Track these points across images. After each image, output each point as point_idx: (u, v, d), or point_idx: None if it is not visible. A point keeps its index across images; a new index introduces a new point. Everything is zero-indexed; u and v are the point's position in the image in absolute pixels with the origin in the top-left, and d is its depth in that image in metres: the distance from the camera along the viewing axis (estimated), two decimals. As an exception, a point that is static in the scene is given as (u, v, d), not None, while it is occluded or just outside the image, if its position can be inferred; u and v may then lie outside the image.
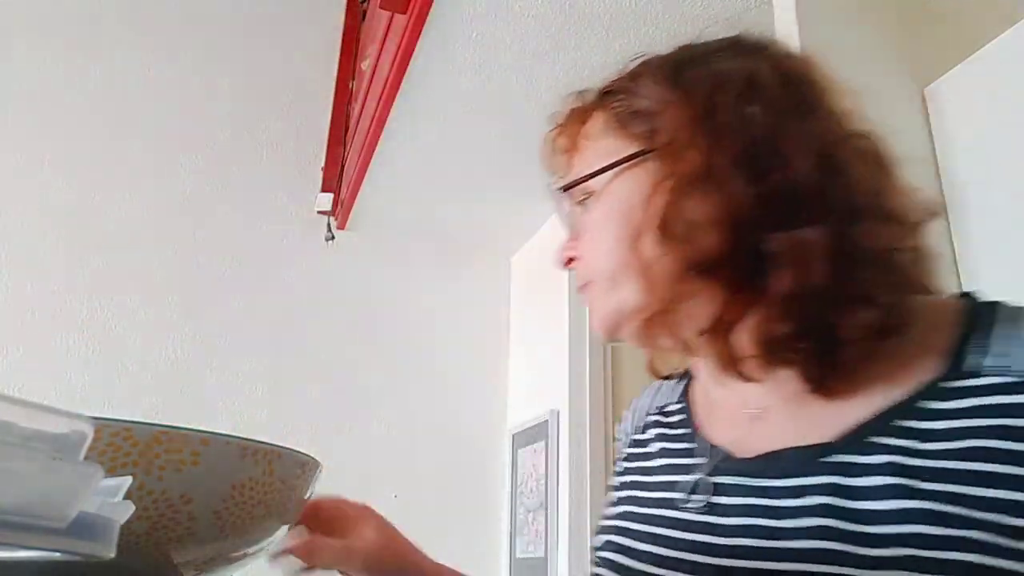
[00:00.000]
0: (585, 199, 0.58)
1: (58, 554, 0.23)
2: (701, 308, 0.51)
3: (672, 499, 0.56)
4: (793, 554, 0.46)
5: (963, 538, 0.40)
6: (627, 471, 0.65)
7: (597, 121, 0.59)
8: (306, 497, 0.43)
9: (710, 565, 0.49)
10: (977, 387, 0.44)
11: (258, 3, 2.22)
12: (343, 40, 2.18)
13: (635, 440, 0.67)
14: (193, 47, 2.12)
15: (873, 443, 0.45)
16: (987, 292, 0.51)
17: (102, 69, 2.01)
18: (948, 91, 1.18)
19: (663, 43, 0.62)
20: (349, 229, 2.11)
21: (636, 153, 0.55)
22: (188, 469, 0.31)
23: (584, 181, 0.57)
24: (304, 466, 0.39)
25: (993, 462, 0.41)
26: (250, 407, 1.90)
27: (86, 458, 0.24)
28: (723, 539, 0.49)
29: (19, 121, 1.90)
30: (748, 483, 0.51)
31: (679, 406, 0.64)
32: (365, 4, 2.14)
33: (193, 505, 0.32)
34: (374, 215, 2.07)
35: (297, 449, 0.38)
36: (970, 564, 0.39)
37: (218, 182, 2.05)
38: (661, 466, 0.60)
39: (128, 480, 0.27)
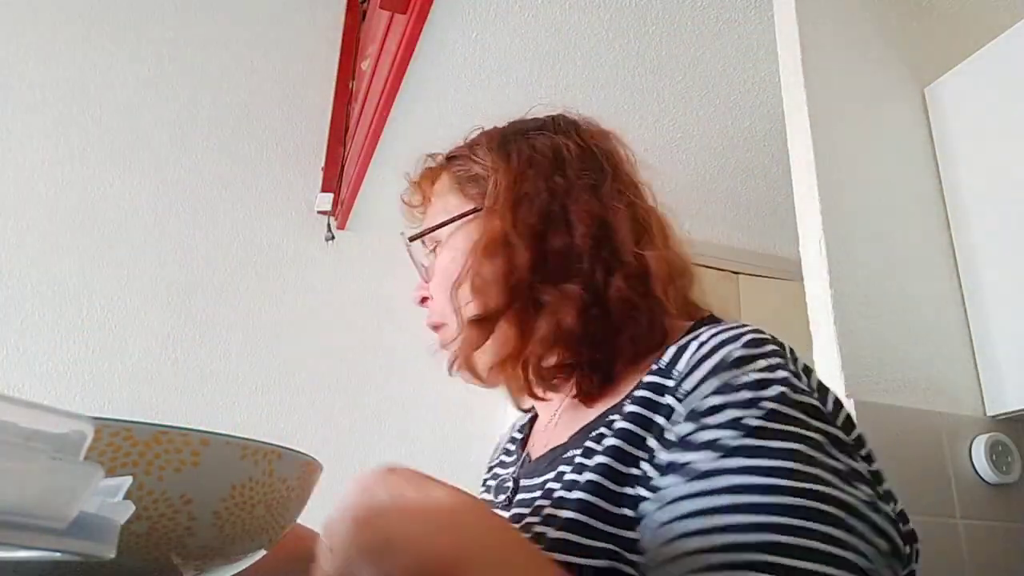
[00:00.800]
0: (435, 248, 0.70)
1: (58, 554, 0.23)
2: (500, 346, 0.63)
3: (492, 501, 0.68)
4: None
5: (585, 482, 0.52)
6: (484, 482, 0.77)
7: (444, 181, 0.71)
8: (307, 497, 0.43)
9: None
10: (645, 382, 0.55)
11: (258, 3, 2.22)
12: (343, 40, 2.18)
13: (494, 458, 0.81)
14: (192, 47, 2.12)
15: (587, 437, 0.57)
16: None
17: (101, 69, 2.01)
18: (948, 91, 1.19)
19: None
20: (349, 229, 2.11)
21: (467, 211, 0.67)
22: (188, 469, 0.32)
23: (428, 233, 0.69)
24: (304, 466, 0.39)
25: (631, 422, 0.53)
26: (250, 407, 1.90)
27: (86, 458, 0.24)
28: None
29: (18, 121, 1.90)
30: (527, 483, 0.64)
31: (524, 424, 0.78)
32: (365, 4, 2.14)
33: (193, 505, 0.32)
34: (374, 215, 2.07)
35: (297, 449, 0.38)
36: (588, 502, 0.51)
37: (218, 182, 2.05)
38: (495, 475, 0.74)
39: (128, 480, 0.27)
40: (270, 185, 2.09)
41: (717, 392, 0.50)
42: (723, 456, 0.46)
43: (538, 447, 0.68)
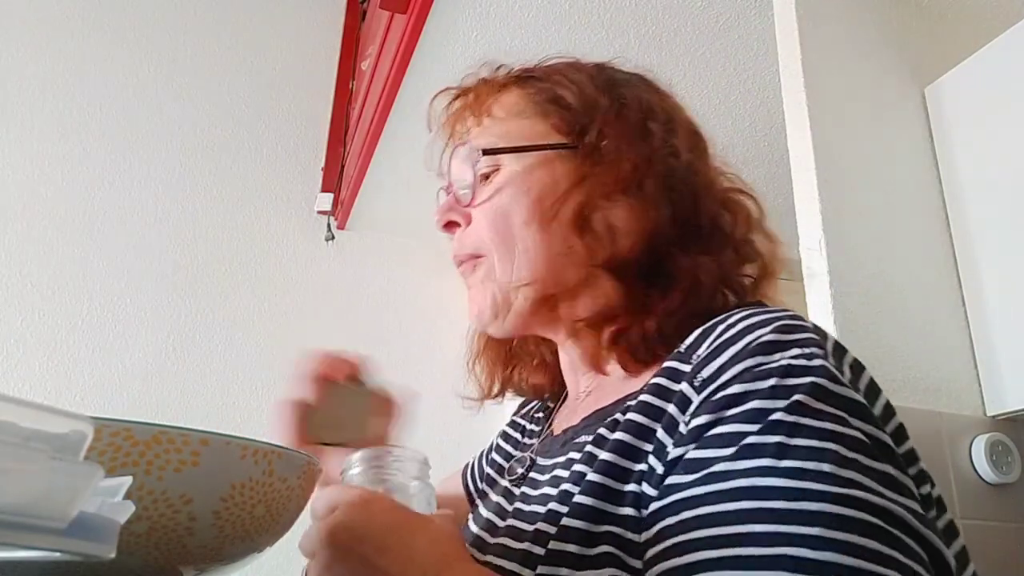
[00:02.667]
0: (491, 171, 0.60)
1: (58, 554, 0.23)
2: (593, 300, 0.56)
3: (502, 483, 0.64)
4: (528, 517, 0.53)
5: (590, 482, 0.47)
6: (496, 449, 0.74)
7: (514, 98, 0.62)
8: (307, 497, 0.43)
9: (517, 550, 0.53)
10: (662, 367, 0.50)
11: (258, 3, 2.22)
12: (343, 40, 2.18)
13: (513, 422, 0.76)
14: (192, 47, 2.12)
15: (600, 424, 0.52)
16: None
17: (100, 69, 2.00)
18: (948, 91, 1.18)
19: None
20: (349, 229, 2.11)
21: (561, 144, 0.59)
22: (188, 469, 0.32)
23: (514, 151, 0.59)
24: (304, 466, 0.39)
25: (640, 413, 0.48)
26: (250, 407, 1.90)
27: (86, 458, 0.24)
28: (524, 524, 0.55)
29: (18, 121, 1.90)
30: (542, 461, 0.59)
31: (535, 407, 0.73)
32: (365, 4, 2.14)
33: (193, 505, 0.32)
34: (374, 215, 2.06)
35: (297, 449, 0.38)
36: (587, 507, 0.46)
37: (218, 182, 2.04)
38: (497, 459, 0.70)
39: (128, 480, 0.27)
40: (270, 185, 2.09)
41: (738, 379, 0.43)
42: (741, 454, 0.40)
43: (562, 423, 0.63)
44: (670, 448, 0.44)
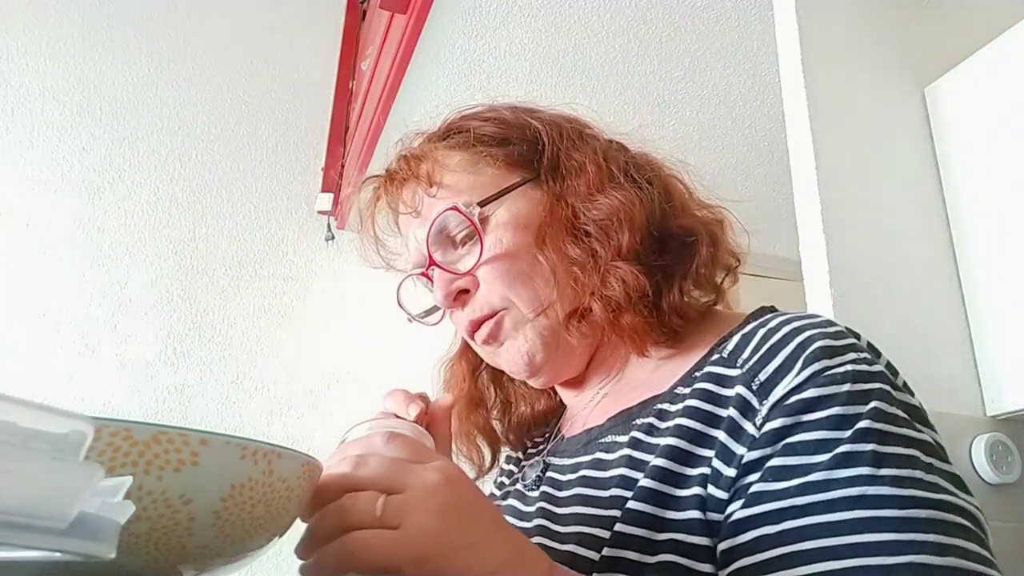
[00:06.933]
0: (469, 231, 0.60)
1: (58, 554, 0.23)
2: (621, 287, 0.56)
3: (519, 490, 0.64)
4: (560, 519, 0.53)
5: (641, 487, 0.48)
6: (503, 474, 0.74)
7: (455, 157, 0.63)
8: (307, 497, 0.43)
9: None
10: (705, 372, 0.51)
11: (258, 3, 2.22)
12: (343, 40, 2.18)
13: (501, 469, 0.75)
14: (192, 47, 2.12)
15: (630, 425, 0.53)
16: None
17: (100, 69, 2.00)
18: (948, 91, 1.18)
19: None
20: (349, 229, 2.10)
21: (529, 175, 0.61)
22: (188, 469, 0.31)
23: (500, 196, 0.60)
24: (304, 466, 0.39)
25: (691, 418, 0.48)
26: (250, 407, 1.90)
27: (86, 458, 0.24)
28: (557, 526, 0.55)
29: (18, 122, 1.90)
30: (557, 462, 0.60)
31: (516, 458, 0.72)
32: (365, 4, 2.14)
33: (193, 505, 0.32)
34: (374, 215, 2.06)
35: (297, 449, 0.38)
36: (641, 512, 0.47)
37: (217, 182, 2.05)
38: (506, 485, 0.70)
39: (128, 480, 0.27)
40: (270, 185, 2.09)
41: (810, 383, 0.44)
42: (838, 463, 0.41)
43: (576, 426, 0.63)
44: (743, 452, 0.45)
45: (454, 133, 0.65)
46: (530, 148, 0.62)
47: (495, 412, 0.72)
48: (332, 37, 2.19)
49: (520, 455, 0.73)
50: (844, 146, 1.10)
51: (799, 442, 0.42)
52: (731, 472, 0.44)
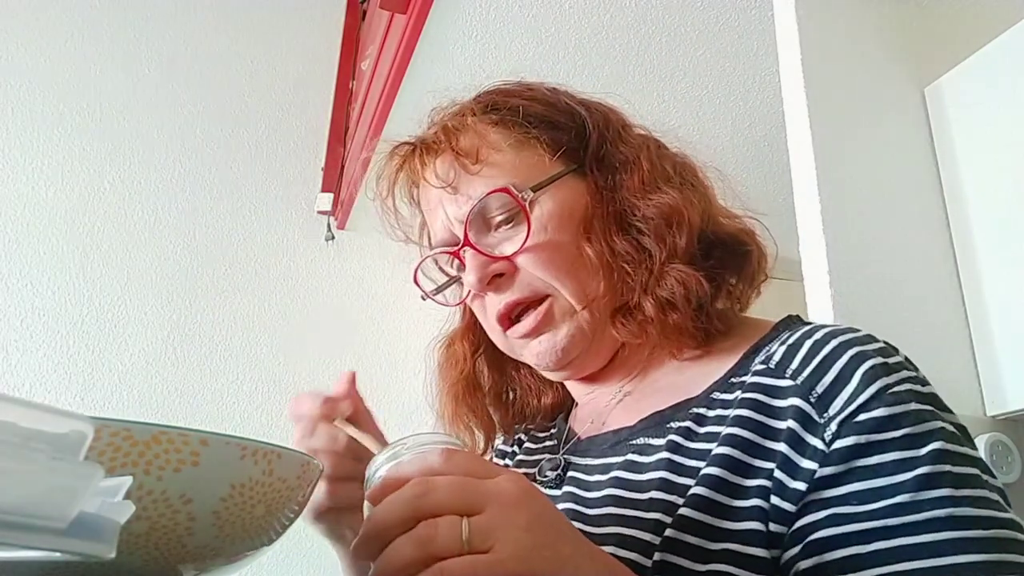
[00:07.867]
0: (512, 212, 0.57)
1: (58, 554, 0.23)
2: (680, 288, 0.55)
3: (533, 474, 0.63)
4: (592, 520, 0.52)
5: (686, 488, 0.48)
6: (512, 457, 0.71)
7: (497, 134, 0.60)
8: (307, 497, 0.43)
9: None
10: (745, 382, 0.50)
11: (258, 3, 2.22)
12: (343, 40, 2.18)
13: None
14: (192, 47, 2.12)
15: (665, 428, 0.53)
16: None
17: (99, 69, 2.00)
18: (948, 91, 1.18)
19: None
20: (349, 229, 2.10)
21: (575, 164, 0.60)
22: (188, 469, 0.31)
23: (551, 183, 0.58)
24: (304, 466, 0.39)
25: (742, 427, 0.48)
26: (250, 407, 1.90)
27: (86, 458, 0.24)
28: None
29: (17, 120, 1.90)
30: (580, 462, 0.59)
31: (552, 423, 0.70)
32: (365, 4, 2.14)
33: (193, 505, 0.32)
34: (374, 215, 2.06)
35: (297, 449, 0.38)
36: (694, 520, 0.46)
37: (217, 182, 2.04)
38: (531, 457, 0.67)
39: (128, 480, 0.27)
40: (270, 185, 2.09)
41: (877, 401, 0.44)
42: (920, 484, 0.42)
43: (595, 425, 0.61)
44: (813, 467, 0.44)
45: (497, 109, 0.61)
46: (577, 135, 0.60)
47: (490, 397, 0.70)
48: (332, 37, 2.19)
49: (514, 447, 0.72)
50: (844, 146, 1.10)
51: (878, 463, 0.43)
52: (799, 485, 0.44)
